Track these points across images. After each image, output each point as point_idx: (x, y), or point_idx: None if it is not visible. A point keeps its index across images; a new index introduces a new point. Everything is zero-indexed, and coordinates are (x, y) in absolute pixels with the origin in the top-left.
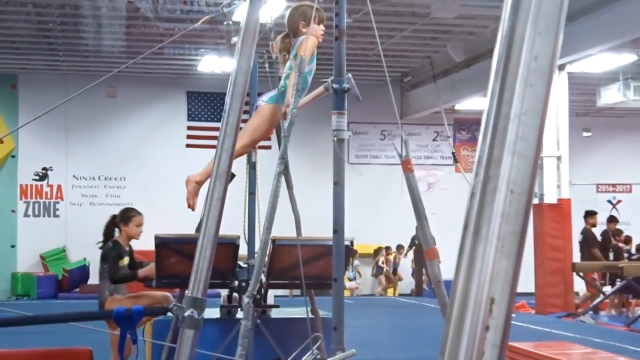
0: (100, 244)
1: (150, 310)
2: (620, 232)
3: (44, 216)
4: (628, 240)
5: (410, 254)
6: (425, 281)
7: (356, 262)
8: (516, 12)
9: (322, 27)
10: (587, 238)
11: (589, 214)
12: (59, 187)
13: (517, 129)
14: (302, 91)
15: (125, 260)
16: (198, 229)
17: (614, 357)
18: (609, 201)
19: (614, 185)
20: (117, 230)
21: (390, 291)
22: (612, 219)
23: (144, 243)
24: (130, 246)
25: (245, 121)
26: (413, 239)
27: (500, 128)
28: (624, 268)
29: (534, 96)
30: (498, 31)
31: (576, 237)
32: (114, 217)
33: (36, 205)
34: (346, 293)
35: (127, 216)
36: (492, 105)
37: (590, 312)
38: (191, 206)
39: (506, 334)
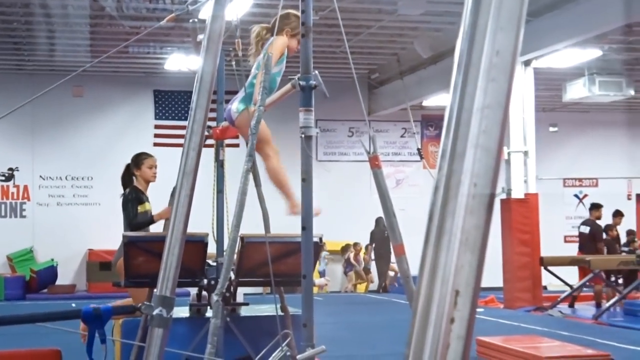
0: (122, 196)
1: (119, 310)
2: (612, 227)
3: (10, 217)
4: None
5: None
6: (388, 277)
7: (324, 252)
8: (478, 7)
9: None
10: (595, 232)
11: (595, 207)
12: (26, 187)
13: (480, 122)
14: (269, 89)
15: (148, 205)
16: (173, 194)
17: (582, 349)
18: (576, 195)
19: (580, 179)
20: (134, 178)
21: (360, 287)
22: (617, 214)
23: (114, 242)
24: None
25: (212, 119)
26: (372, 234)
27: (463, 122)
28: (590, 262)
29: (496, 90)
30: (460, 26)
31: (545, 230)
32: (128, 165)
33: (2, 206)
34: (315, 290)
35: (138, 160)
36: (454, 99)
37: (559, 306)
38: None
39: (471, 326)
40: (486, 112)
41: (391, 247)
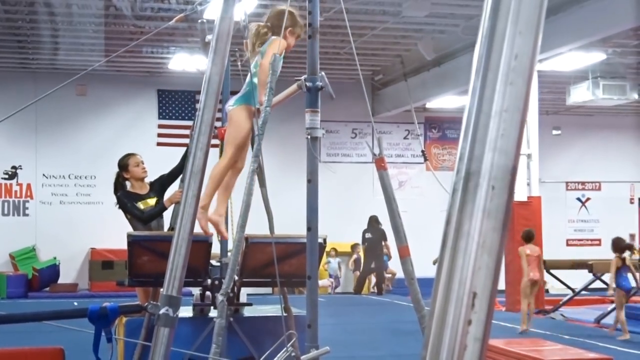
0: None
1: (126, 308)
2: None
3: (13, 215)
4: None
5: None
6: (370, 279)
7: (338, 259)
8: (496, 12)
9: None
10: None
11: None
12: (29, 185)
13: (498, 126)
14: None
15: (149, 202)
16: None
17: (584, 353)
18: (579, 199)
19: (583, 183)
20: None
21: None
22: None
23: (116, 241)
24: (149, 185)
25: (219, 119)
26: (364, 233)
27: (482, 125)
28: (593, 265)
29: (514, 94)
30: (479, 30)
31: (548, 234)
32: (117, 173)
33: (5, 204)
34: (322, 291)
35: (123, 163)
36: (473, 103)
37: (561, 309)
38: (205, 231)
39: (488, 328)
40: (504, 115)
41: (384, 247)
